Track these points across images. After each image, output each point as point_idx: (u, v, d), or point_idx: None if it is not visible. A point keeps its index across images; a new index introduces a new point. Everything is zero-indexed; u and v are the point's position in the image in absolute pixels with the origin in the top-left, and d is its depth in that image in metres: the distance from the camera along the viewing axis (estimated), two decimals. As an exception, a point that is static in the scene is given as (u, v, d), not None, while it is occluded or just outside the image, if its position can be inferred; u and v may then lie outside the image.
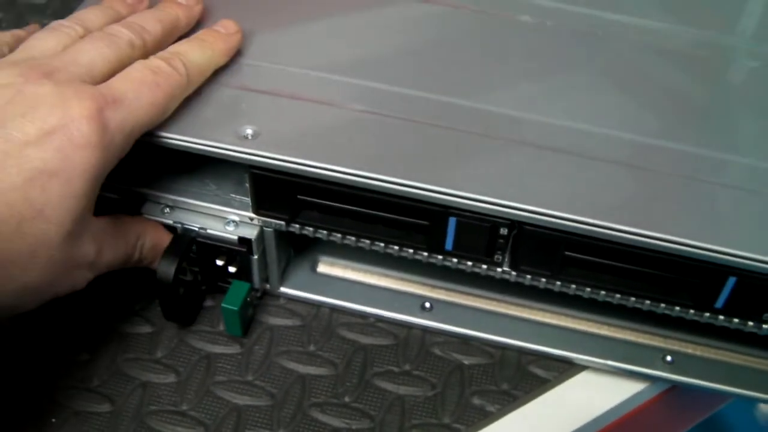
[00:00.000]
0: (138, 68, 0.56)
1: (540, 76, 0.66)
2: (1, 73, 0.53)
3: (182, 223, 0.62)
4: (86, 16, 0.61)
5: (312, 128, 0.60)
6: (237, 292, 0.64)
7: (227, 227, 0.62)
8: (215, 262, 0.64)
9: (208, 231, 0.62)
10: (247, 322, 0.66)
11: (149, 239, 0.61)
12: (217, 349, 0.65)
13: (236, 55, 0.66)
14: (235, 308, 0.63)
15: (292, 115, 0.61)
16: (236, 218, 0.62)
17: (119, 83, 0.54)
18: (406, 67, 0.66)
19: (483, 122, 0.61)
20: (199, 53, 0.60)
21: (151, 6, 0.66)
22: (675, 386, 0.65)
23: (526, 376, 0.65)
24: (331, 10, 0.71)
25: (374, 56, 0.67)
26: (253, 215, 0.61)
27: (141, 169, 0.64)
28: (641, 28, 0.72)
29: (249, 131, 0.58)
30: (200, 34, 0.62)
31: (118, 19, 0.61)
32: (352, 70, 0.65)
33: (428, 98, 0.63)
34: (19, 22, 0.92)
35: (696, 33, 0.72)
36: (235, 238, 0.62)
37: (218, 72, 0.63)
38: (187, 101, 0.61)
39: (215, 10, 0.69)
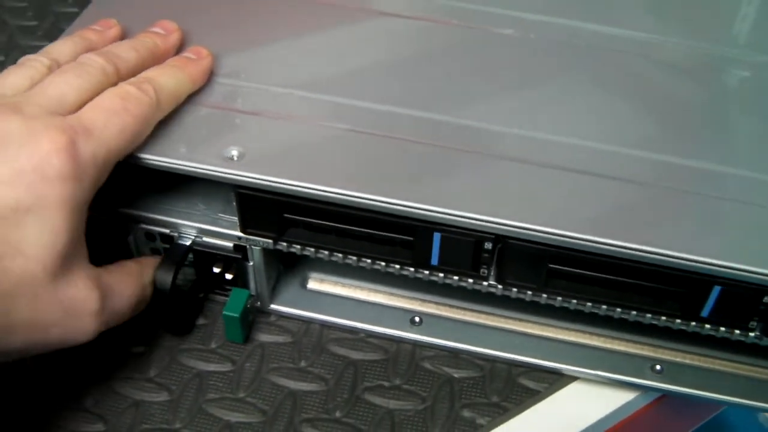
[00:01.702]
0: (107, 96, 0.57)
1: (522, 89, 0.67)
2: None
3: (179, 232, 0.63)
4: (55, 48, 0.62)
5: (296, 147, 0.61)
6: (237, 299, 0.65)
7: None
8: (212, 270, 0.65)
9: (204, 239, 0.63)
10: (247, 328, 0.67)
11: None
12: (210, 366, 0.66)
13: (219, 76, 0.66)
14: (236, 315, 0.64)
15: (275, 135, 0.61)
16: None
17: (89, 112, 0.55)
18: (388, 83, 0.67)
19: (465, 137, 0.62)
20: (168, 77, 0.60)
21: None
22: (665, 395, 0.66)
23: (517, 388, 0.65)
24: (310, 28, 0.72)
25: (355, 74, 0.68)
26: (240, 234, 0.61)
27: (130, 190, 0.65)
28: (627, 38, 0.72)
29: (234, 152, 0.59)
30: (171, 60, 0.63)
31: (90, 48, 0.62)
32: (334, 88, 0.66)
33: (410, 115, 0.63)
34: (9, 44, 0.93)
35: (684, 43, 0.72)
36: (231, 245, 0.63)
37: (202, 93, 0.64)
38: (173, 123, 0.62)
39: (193, 32, 0.70)
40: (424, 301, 0.68)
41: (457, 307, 0.68)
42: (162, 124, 0.61)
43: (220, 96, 0.65)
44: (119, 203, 0.64)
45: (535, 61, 0.70)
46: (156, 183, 0.64)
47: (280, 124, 0.62)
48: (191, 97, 0.64)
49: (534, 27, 0.73)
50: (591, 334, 0.67)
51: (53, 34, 0.95)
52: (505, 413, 0.64)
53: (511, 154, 0.61)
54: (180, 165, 0.59)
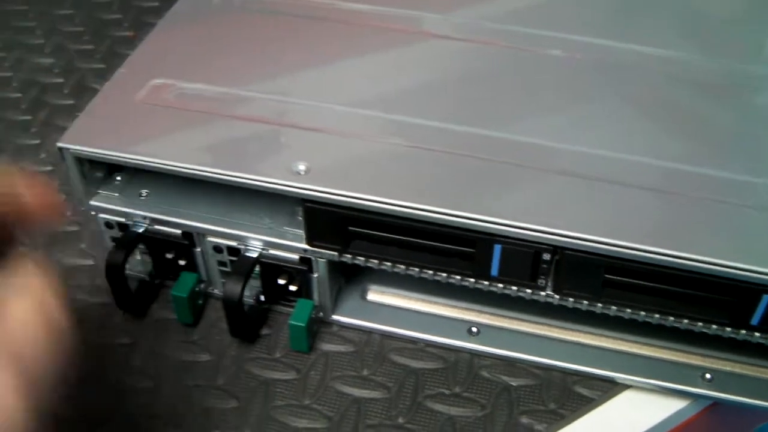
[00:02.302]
0: None
1: (569, 107, 0.70)
2: None
3: (246, 245, 0.66)
4: None
5: (359, 162, 0.64)
6: (303, 309, 0.68)
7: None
8: (277, 281, 0.68)
9: (270, 251, 0.66)
10: (311, 338, 0.70)
11: None
12: (275, 375, 0.68)
13: (283, 95, 0.70)
14: (303, 324, 0.67)
15: (339, 150, 0.65)
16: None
17: None
18: (442, 102, 0.70)
19: (518, 152, 0.64)
20: None
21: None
22: (715, 403, 0.67)
23: (572, 396, 0.67)
24: (364, 50, 0.76)
25: (409, 92, 0.71)
26: (306, 246, 0.64)
27: (197, 206, 0.68)
28: (665, 58, 0.75)
29: (301, 167, 0.61)
30: None
31: None
32: (391, 106, 0.69)
33: (465, 131, 0.66)
34: (68, 67, 0.96)
35: (718, 62, 0.75)
36: (296, 257, 0.65)
37: (266, 111, 0.68)
38: (240, 140, 0.65)
39: (252, 55, 0.75)
40: (480, 311, 0.70)
41: (513, 318, 0.70)
42: (230, 141, 0.65)
43: (284, 114, 0.68)
44: (188, 216, 0.67)
45: (579, 81, 0.73)
46: (222, 197, 0.68)
47: (343, 140, 0.65)
48: (257, 115, 0.68)
49: (578, 47, 0.75)
50: (643, 343, 0.68)
51: (111, 59, 0.98)
52: (562, 420, 0.65)
53: (563, 168, 0.63)
54: (251, 180, 0.61)
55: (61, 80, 0.97)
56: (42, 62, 0.99)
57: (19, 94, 0.95)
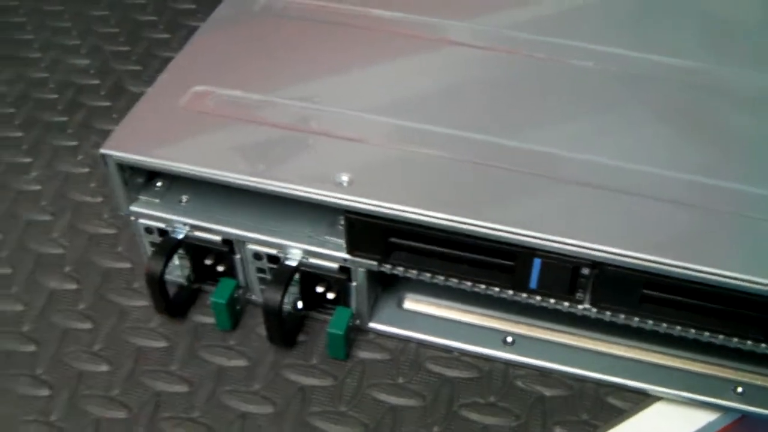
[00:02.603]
0: None
1: (601, 118, 0.70)
2: None
3: (286, 253, 0.67)
4: None
5: (400, 174, 0.64)
6: (341, 317, 0.69)
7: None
8: (315, 289, 0.69)
9: (310, 260, 0.67)
10: (348, 345, 0.70)
11: None
12: (312, 381, 0.69)
13: (322, 104, 0.71)
14: (341, 332, 0.68)
15: (381, 162, 0.65)
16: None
17: None
18: (479, 113, 0.70)
19: (557, 166, 0.65)
20: None
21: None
22: (745, 416, 0.68)
23: (604, 407, 0.68)
24: (405, 59, 0.77)
25: (449, 103, 0.71)
26: (347, 256, 0.65)
27: (237, 213, 0.69)
28: (688, 69, 0.75)
29: (344, 178, 0.62)
30: None
31: None
32: (432, 117, 0.69)
33: (505, 144, 0.67)
34: (104, 69, 0.97)
35: (741, 72, 0.75)
36: (336, 266, 0.66)
37: (310, 121, 0.69)
38: (284, 150, 0.66)
39: (283, 65, 0.75)
40: (515, 322, 0.71)
41: (548, 329, 0.71)
42: (272, 150, 0.66)
43: (325, 123, 0.69)
44: (228, 224, 0.68)
45: (606, 92, 0.73)
46: (262, 204, 0.68)
47: (384, 151, 0.66)
48: (298, 124, 0.69)
49: (602, 58, 0.76)
50: (675, 355, 0.69)
51: (147, 59, 0.99)
52: (595, 430, 0.66)
53: (601, 182, 0.64)
54: (294, 190, 0.62)
55: (97, 81, 0.98)
56: (78, 63, 1.00)
57: (56, 96, 0.96)
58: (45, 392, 0.69)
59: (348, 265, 0.66)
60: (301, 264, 0.66)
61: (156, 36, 1.03)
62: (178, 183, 0.70)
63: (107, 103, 0.94)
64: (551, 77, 0.74)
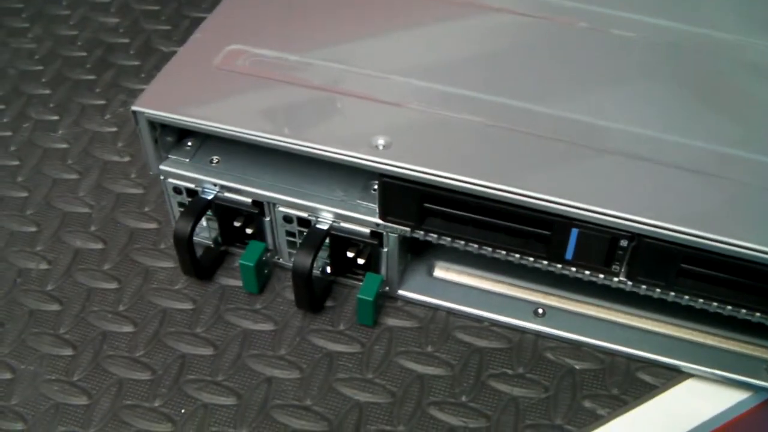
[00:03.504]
0: None
1: (645, 91, 0.69)
2: None
3: (317, 217, 0.66)
4: None
5: (438, 139, 0.63)
6: (371, 283, 0.68)
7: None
8: (345, 254, 0.68)
9: (342, 224, 0.66)
10: (377, 312, 0.70)
11: None
12: (339, 347, 0.68)
13: (360, 68, 0.70)
14: (371, 299, 0.67)
15: (418, 126, 0.64)
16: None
17: None
18: (519, 79, 0.69)
19: (597, 136, 0.64)
20: None
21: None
22: (778, 396, 0.66)
23: (635, 382, 0.67)
24: (448, 23, 0.76)
25: (488, 69, 0.71)
26: (379, 221, 0.64)
27: (268, 175, 0.68)
28: (735, 44, 0.74)
29: (381, 141, 0.61)
30: None
31: None
32: (471, 83, 0.68)
33: (545, 112, 0.66)
34: (134, 28, 0.96)
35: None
36: (368, 231, 0.65)
37: (346, 84, 0.68)
38: (319, 111, 0.65)
39: (323, 31, 0.74)
40: (547, 293, 0.70)
41: (580, 301, 0.70)
42: (307, 111, 0.65)
43: (361, 85, 0.68)
44: (259, 185, 0.68)
45: (648, 62, 0.72)
46: (294, 166, 0.68)
47: (421, 115, 0.65)
48: (333, 86, 0.67)
49: (648, 29, 0.75)
50: (708, 333, 0.68)
51: (177, 19, 0.98)
52: (625, 406, 0.65)
53: (639, 152, 0.63)
54: (330, 152, 0.61)
55: (126, 40, 0.97)
56: (107, 21, 1.00)
57: (84, 53, 0.95)
58: (68, 352, 0.68)
59: (380, 230, 0.65)
60: (332, 228, 0.66)
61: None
62: (208, 143, 0.69)
63: (136, 63, 0.94)
64: (591, 46, 0.73)
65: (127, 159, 0.83)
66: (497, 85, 0.67)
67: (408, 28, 0.73)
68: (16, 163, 0.83)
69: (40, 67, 0.93)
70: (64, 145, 0.85)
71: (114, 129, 0.86)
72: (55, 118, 0.88)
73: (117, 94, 0.90)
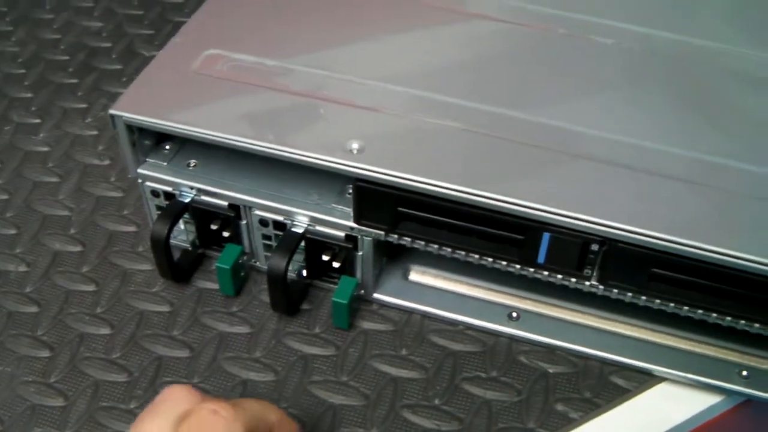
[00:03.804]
0: None
1: (620, 96, 0.70)
2: None
3: (292, 220, 0.66)
4: None
5: (412, 144, 0.64)
6: (345, 286, 0.68)
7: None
8: (321, 258, 0.68)
9: (317, 228, 0.66)
10: (352, 315, 0.70)
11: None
12: (314, 350, 0.69)
13: (336, 73, 0.70)
14: (345, 302, 0.67)
15: (392, 131, 0.65)
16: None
17: None
18: (495, 85, 0.70)
19: (571, 141, 0.65)
20: None
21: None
22: (749, 400, 0.68)
23: (608, 386, 0.67)
24: (423, 29, 0.76)
25: (463, 75, 0.71)
26: (354, 225, 0.64)
27: (245, 178, 0.68)
28: (711, 50, 0.75)
29: (355, 145, 0.62)
30: None
31: None
32: (446, 88, 0.69)
33: (519, 117, 0.66)
34: (117, 32, 0.96)
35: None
36: (343, 234, 0.66)
37: (322, 89, 0.68)
38: (295, 115, 0.66)
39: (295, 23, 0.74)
40: (521, 297, 0.71)
41: (553, 305, 0.70)
42: (283, 115, 0.66)
43: (337, 90, 0.68)
44: (235, 189, 0.68)
45: (627, 68, 0.73)
46: (270, 170, 0.68)
47: (396, 120, 0.66)
48: (310, 90, 0.68)
49: (627, 36, 0.76)
50: (681, 336, 0.69)
51: (159, 23, 0.98)
52: (597, 409, 0.66)
53: (612, 158, 0.63)
54: (304, 156, 0.62)
55: (109, 44, 0.97)
56: (91, 26, 1.00)
57: (67, 57, 0.96)
58: (45, 353, 0.69)
59: (355, 234, 0.65)
60: (307, 231, 0.66)
61: (170, 0, 1.02)
62: (186, 147, 0.70)
63: (118, 67, 0.94)
64: (571, 53, 0.73)
65: (107, 162, 0.83)
66: (475, 91, 0.68)
67: (388, 34, 0.74)
68: (-3, 165, 0.83)
69: (23, 71, 0.93)
70: (45, 148, 0.85)
71: (95, 132, 0.86)
72: (37, 121, 0.88)
73: (99, 97, 0.90)
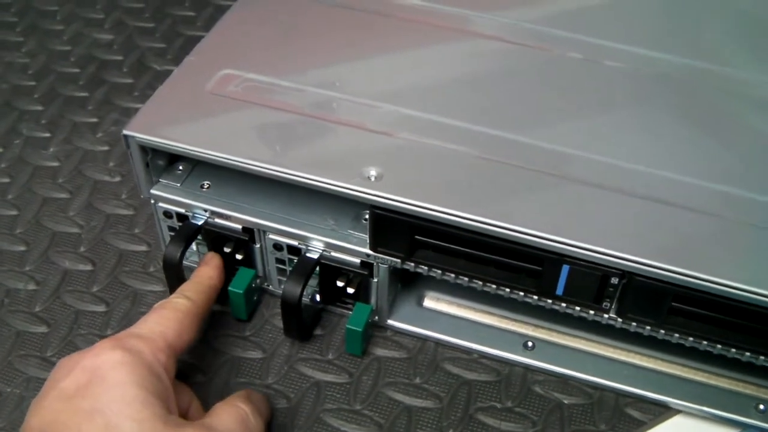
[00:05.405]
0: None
1: (637, 124, 0.69)
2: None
3: (307, 245, 0.65)
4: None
5: (430, 172, 0.63)
6: (360, 313, 0.67)
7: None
8: (335, 283, 0.67)
9: (332, 254, 0.65)
10: (366, 342, 0.69)
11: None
12: (327, 377, 0.68)
13: (352, 96, 0.69)
14: (360, 329, 0.67)
15: (409, 157, 0.64)
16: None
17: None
18: (512, 112, 0.69)
19: (589, 170, 0.64)
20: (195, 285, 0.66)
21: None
22: (766, 434, 0.66)
23: (623, 418, 0.67)
24: (441, 52, 0.76)
25: (481, 101, 0.70)
26: (370, 252, 0.63)
27: (259, 201, 0.68)
28: (725, 75, 0.74)
29: (373, 172, 0.61)
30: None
31: None
32: (465, 114, 0.68)
33: (534, 145, 0.66)
34: (128, 44, 0.95)
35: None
36: (358, 261, 0.65)
37: (338, 110, 0.68)
38: (311, 141, 0.65)
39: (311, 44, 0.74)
40: (537, 326, 0.70)
41: (569, 335, 0.70)
42: (299, 139, 0.65)
43: (355, 114, 0.67)
44: (250, 212, 0.67)
45: (638, 93, 0.72)
46: (285, 194, 0.67)
47: (414, 147, 0.65)
48: (327, 114, 0.67)
49: (636, 59, 0.75)
50: (698, 369, 0.68)
51: (171, 37, 0.97)
52: (612, 442, 0.65)
53: (632, 189, 0.63)
54: (322, 182, 0.61)
55: (120, 57, 0.97)
56: (101, 38, 0.99)
57: (78, 69, 0.95)
58: (55, 374, 0.67)
59: (370, 261, 0.64)
60: (322, 257, 0.65)
61: (181, 13, 1.01)
62: (200, 168, 0.69)
63: (129, 80, 0.93)
64: (585, 77, 0.73)
65: (118, 179, 0.82)
66: (490, 116, 0.67)
67: (401, 55, 0.73)
68: (6, 180, 0.83)
69: (33, 83, 0.93)
70: (55, 163, 0.84)
71: (106, 148, 0.86)
72: (47, 135, 0.87)
73: (109, 111, 0.89)
